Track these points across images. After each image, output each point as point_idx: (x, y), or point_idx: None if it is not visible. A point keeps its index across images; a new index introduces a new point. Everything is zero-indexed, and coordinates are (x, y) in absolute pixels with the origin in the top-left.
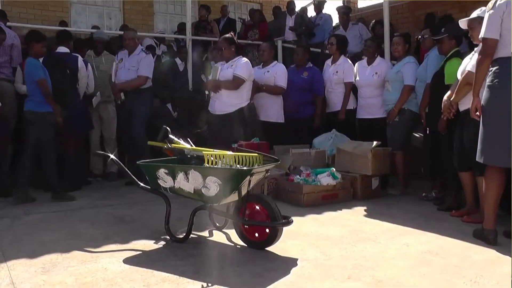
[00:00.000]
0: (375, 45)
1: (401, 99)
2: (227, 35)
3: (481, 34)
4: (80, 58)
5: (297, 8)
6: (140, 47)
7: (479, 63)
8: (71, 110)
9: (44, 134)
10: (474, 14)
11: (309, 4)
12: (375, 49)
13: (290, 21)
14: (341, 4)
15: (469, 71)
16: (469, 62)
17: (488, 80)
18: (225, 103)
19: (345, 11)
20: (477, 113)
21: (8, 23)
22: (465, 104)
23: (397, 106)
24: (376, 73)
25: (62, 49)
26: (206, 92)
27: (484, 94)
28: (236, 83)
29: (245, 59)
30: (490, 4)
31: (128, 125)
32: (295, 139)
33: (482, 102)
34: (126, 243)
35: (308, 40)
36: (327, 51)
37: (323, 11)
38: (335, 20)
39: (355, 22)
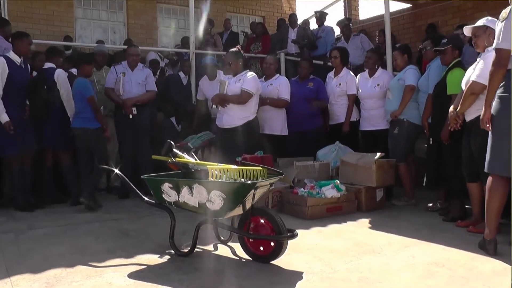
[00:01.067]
0: (375, 57)
1: (404, 99)
2: (234, 49)
3: (495, 45)
4: (58, 72)
5: (299, 21)
6: (141, 64)
7: (492, 74)
8: (51, 125)
9: (93, 148)
10: (480, 22)
11: (310, 17)
12: (375, 60)
13: (292, 34)
14: (342, 16)
15: (473, 81)
16: (473, 72)
17: (499, 91)
18: (233, 116)
19: (346, 24)
20: (488, 125)
21: None
22: (471, 114)
23: (401, 106)
24: (378, 84)
25: (49, 65)
26: (214, 106)
27: (494, 105)
28: (244, 97)
29: (252, 74)
30: (503, 14)
31: (133, 139)
32: (299, 152)
33: (493, 112)
34: (131, 257)
35: (310, 53)
36: (329, 64)
37: (325, 24)
38: (337, 32)
39: (357, 34)
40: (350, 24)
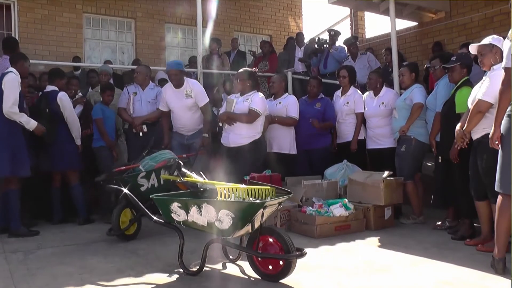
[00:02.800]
0: (376, 77)
1: (412, 116)
2: (248, 69)
3: (504, 64)
4: (60, 95)
5: (306, 40)
6: (152, 83)
7: (502, 93)
8: (57, 146)
9: (101, 165)
10: (485, 41)
11: (318, 35)
12: (377, 80)
13: (299, 53)
14: (349, 35)
15: (479, 100)
16: (479, 91)
17: (508, 109)
18: (239, 135)
19: (353, 42)
20: (497, 142)
21: None
22: (478, 132)
23: (408, 122)
24: (383, 103)
25: (50, 87)
26: (220, 124)
27: (503, 123)
28: (252, 116)
29: (261, 94)
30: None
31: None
32: (307, 170)
33: (502, 131)
34: (140, 276)
35: (320, 71)
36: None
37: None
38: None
39: (364, 52)
40: (357, 43)
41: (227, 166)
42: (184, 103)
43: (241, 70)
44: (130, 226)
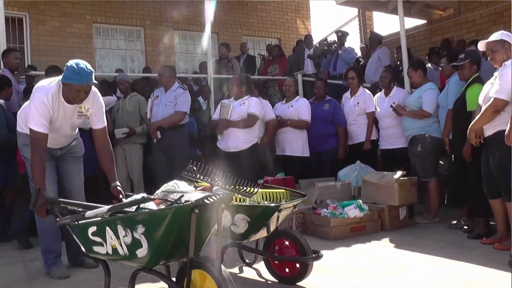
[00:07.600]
0: (390, 76)
1: (414, 116)
2: (242, 74)
3: None
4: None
5: (315, 42)
6: (177, 84)
7: None
8: None
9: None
10: (495, 36)
11: (327, 36)
12: (391, 79)
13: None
14: (358, 35)
15: (495, 98)
16: (491, 88)
17: None
18: (239, 139)
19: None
20: None
21: (36, 72)
22: (490, 129)
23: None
24: (394, 103)
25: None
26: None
27: None
28: (251, 121)
29: (256, 98)
30: None
31: (166, 164)
32: (319, 172)
33: None
34: (157, 281)
35: (329, 73)
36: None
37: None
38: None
39: (380, 46)
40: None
41: (227, 170)
42: (73, 123)
43: (235, 75)
44: None
